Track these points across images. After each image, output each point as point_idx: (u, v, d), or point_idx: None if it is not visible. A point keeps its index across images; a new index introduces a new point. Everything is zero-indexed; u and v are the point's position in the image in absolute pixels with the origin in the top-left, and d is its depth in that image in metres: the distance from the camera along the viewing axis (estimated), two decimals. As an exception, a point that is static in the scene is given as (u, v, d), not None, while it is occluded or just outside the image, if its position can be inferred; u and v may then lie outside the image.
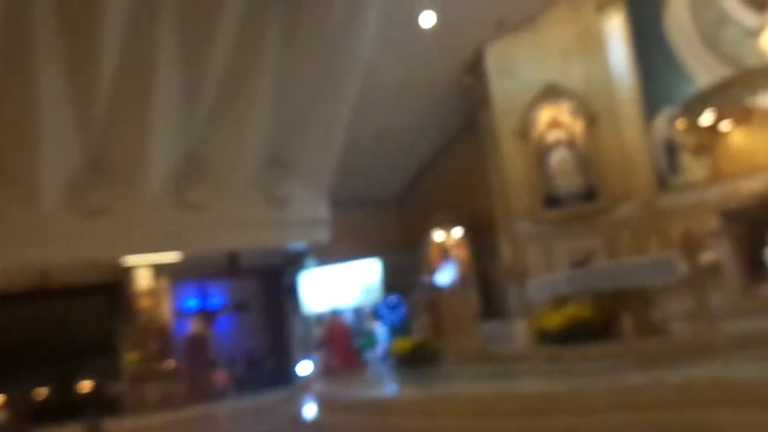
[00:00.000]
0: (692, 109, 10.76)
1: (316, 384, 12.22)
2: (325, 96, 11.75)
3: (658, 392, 5.20)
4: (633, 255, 10.91)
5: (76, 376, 14.29)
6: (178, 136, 11.49)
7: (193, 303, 15.21)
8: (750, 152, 10.76)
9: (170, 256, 12.78)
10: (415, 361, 9.00)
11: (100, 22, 9.43)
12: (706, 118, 10.72)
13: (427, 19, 11.65)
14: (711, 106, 10.52)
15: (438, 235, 15.22)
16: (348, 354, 12.75)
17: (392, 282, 14.55)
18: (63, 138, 10.72)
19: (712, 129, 10.94)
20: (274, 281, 15.77)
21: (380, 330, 14.11)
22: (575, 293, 7.62)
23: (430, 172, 16.64)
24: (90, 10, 9.30)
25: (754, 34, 10.71)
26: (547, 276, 9.65)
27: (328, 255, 14.52)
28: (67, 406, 13.33)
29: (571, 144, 12.51)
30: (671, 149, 11.76)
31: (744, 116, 10.68)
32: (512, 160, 12.82)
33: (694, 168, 11.47)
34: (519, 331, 9.18)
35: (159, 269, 13.36)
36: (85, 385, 14.28)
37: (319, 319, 14.39)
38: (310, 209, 13.20)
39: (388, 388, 9.32)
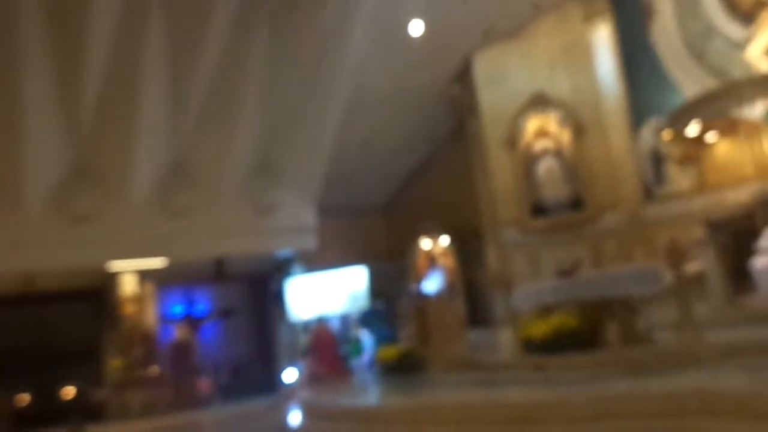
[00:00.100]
0: (678, 120, 10.85)
1: (301, 391, 12.17)
2: (313, 103, 11.75)
3: (643, 402, 5.22)
4: (619, 264, 10.96)
5: (60, 382, 14.15)
6: (165, 142, 11.44)
7: (178, 309, 15.12)
8: (735, 163, 10.86)
9: (156, 262, 12.70)
10: (401, 369, 8.98)
11: (88, 28, 9.39)
12: (692, 129, 10.81)
13: (416, 28, 11.69)
14: (697, 117, 10.61)
15: (425, 243, 15.23)
16: (334, 361, 12.72)
17: (379, 289, 14.53)
18: (49, 143, 10.64)
19: (698, 140, 11.03)
20: (261, 288, 15.71)
21: (366, 337, 14.08)
22: (561, 302, 7.63)
23: (418, 180, 16.66)
24: (78, 16, 9.26)
25: (740, 46, 10.84)
26: (534, 285, 9.66)
27: (315, 262, 14.48)
28: (50, 413, 13.19)
29: (558, 153, 12.57)
30: (657, 159, 11.84)
31: (729, 127, 10.78)
32: (500, 169, 12.86)
33: (679, 178, 11.56)
34: (505, 340, 9.18)
35: (144, 275, 13.27)
36: (69, 391, 14.15)
37: (306, 326, 14.34)
38: (297, 216, 13.17)
39: (374, 396, 9.29)
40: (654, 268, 7.33)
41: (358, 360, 13.46)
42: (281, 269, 14.81)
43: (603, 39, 12.55)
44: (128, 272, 13.17)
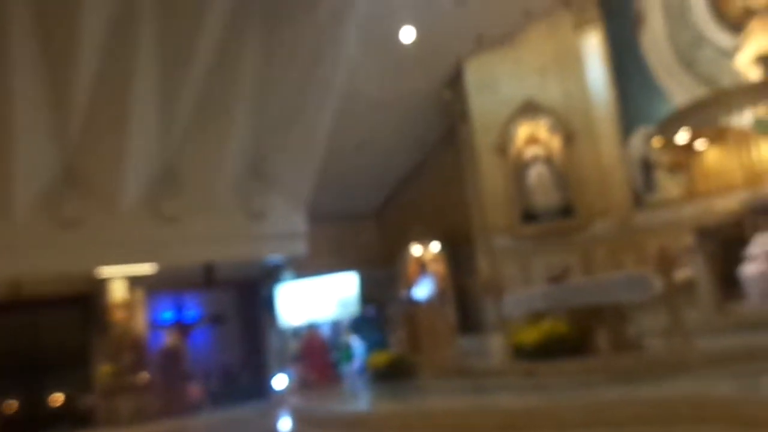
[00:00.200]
0: (668, 128, 10.91)
1: (291, 398, 12.13)
2: (304, 110, 11.75)
3: (633, 408, 5.23)
4: (609, 271, 10.99)
5: (48, 388, 14.05)
6: (156, 147, 11.41)
7: (168, 315, 15.04)
8: (724, 171, 10.93)
9: (145, 268, 12.64)
10: (391, 375, 8.97)
11: (78, 32, 9.36)
12: (682, 137, 10.87)
13: (407, 34, 11.72)
14: (686, 125, 10.68)
15: (416, 250, 15.23)
16: (324, 368, 12.69)
17: (370, 295, 14.51)
18: (38, 148, 10.59)
19: (688, 148, 11.10)
20: (251, 294, 15.66)
21: (357, 344, 14.06)
22: (551, 309, 7.65)
23: (409, 186, 16.66)
24: (68, 21, 9.23)
25: (730, 54, 10.92)
26: (524, 291, 9.68)
27: (305, 268, 14.45)
28: (38, 419, 13.09)
29: (548, 160, 12.62)
30: (647, 167, 11.91)
31: (719, 135, 10.85)
32: (490, 175, 12.89)
33: (669, 186, 11.62)
34: (495, 346, 9.19)
35: (134, 281, 13.20)
36: (57, 398, 14.04)
37: (296, 332, 14.29)
38: (288, 222, 13.15)
39: (365, 402, 9.27)
40: (644, 275, 7.36)
41: (349, 366, 13.43)
42: (271, 275, 14.77)
43: (593, 47, 12.62)
44: (117, 278, 13.09)
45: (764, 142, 10.29)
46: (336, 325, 14.90)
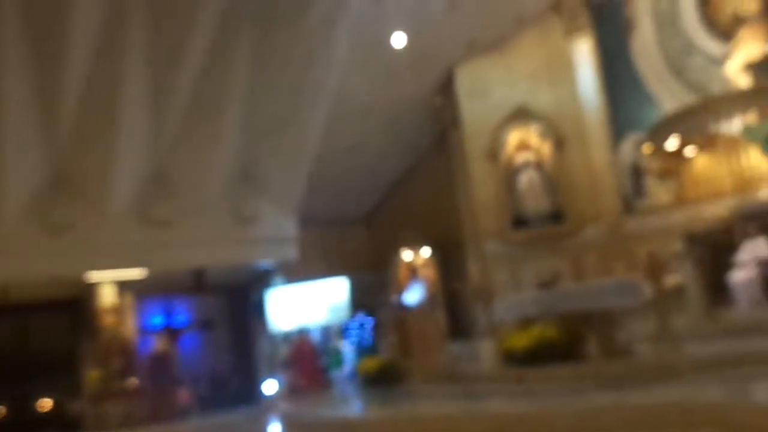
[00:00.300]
0: (658, 135, 10.97)
1: (281, 403, 12.08)
2: (296, 114, 11.73)
3: (623, 414, 5.23)
4: (599, 277, 11.03)
5: (36, 393, 13.93)
6: (146, 151, 11.35)
7: (157, 320, 14.96)
8: (713, 177, 11.00)
9: (135, 273, 12.57)
10: (381, 380, 8.95)
11: (68, 36, 9.30)
12: (671, 144, 10.94)
13: (399, 40, 11.74)
14: (676, 131, 10.74)
15: (406, 255, 15.22)
16: (314, 373, 12.65)
17: (360, 301, 14.49)
18: (27, 152, 10.52)
19: (677, 154, 11.16)
20: (241, 299, 15.60)
21: (347, 349, 14.02)
22: (542, 314, 7.66)
23: (400, 191, 16.67)
24: (58, 23, 9.18)
25: (719, 62, 11.00)
26: (514, 297, 9.70)
27: (295, 273, 14.41)
28: (27, 425, 12.97)
29: (539, 166, 12.66)
30: (637, 173, 11.97)
31: (708, 142, 10.92)
32: (481, 181, 12.91)
33: (659, 192, 11.68)
34: (486, 352, 9.18)
35: (123, 285, 13.12)
36: (45, 404, 13.93)
37: (286, 337, 14.24)
38: (279, 227, 13.11)
39: (355, 407, 9.25)
40: (633, 281, 7.39)
41: (339, 371, 13.40)
42: (262, 280, 14.72)
43: (584, 53, 12.69)
44: (107, 283, 13.02)
45: (753, 149, 10.36)
46: (326, 331, 14.86)
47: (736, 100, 10.20)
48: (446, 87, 13.50)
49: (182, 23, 9.92)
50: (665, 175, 11.50)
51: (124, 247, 11.91)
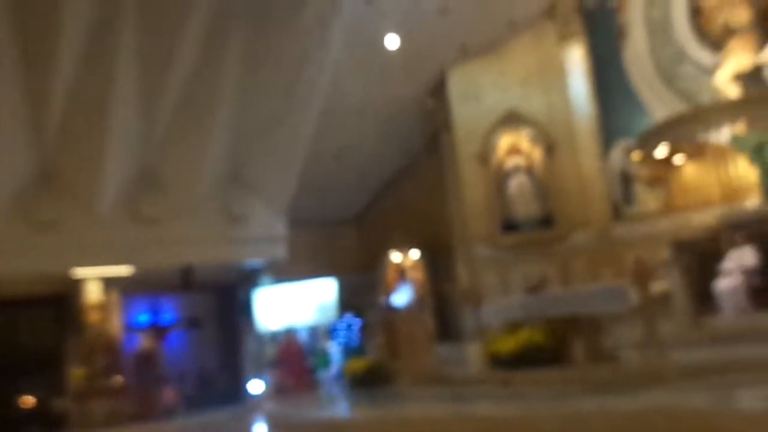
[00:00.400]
0: (647, 142, 11.04)
1: (268, 403, 12.05)
2: (287, 114, 11.73)
3: (609, 419, 5.26)
4: (586, 282, 11.08)
5: (20, 390, 13.83)
6: (135, 149, 11.32)
7: (144, 318, 14.90)
8: (701, 186, 11.08)
9: (122, 270, 12.52)
10: (369, 381, 8.95)
11: (58, 35, 9.25)
12: (661, 152, 11.01)
13: (392, 42, 11.76)
14: (665, 140, 10.81)
15: (396, 256, 15.24)
16: (301, 373, 12.63)
17: (348, 302, 14.48)
18: (15, 149, 10.46)
19: (666, 162, 11.24)
20: (229, 298, 15.56)
21: (335, 350, 14.01)
22: (529, 318, 7.69)
23: (390, 193, 16.69)
24: (48, 20, 9.13)
25: (709, 72, 11.09)
26: (502, 300, 9.73)
27: (284, 273, 14.39)
28: (9, 422, 12.86)
29: (529, 171, 12.71)
30: (626, 180, 12.04)
31: (697, 151, 11.00)
32: (472, 184, 12.94)
33: (647, 199, 11.75)
34: (473, 355, 9.22)
35: (110, 282, 13.06)
36: (29, 401, 13.82)
37: (274, 337, 14.22)
38: (268, 226, 13.10)
39: (342, 408, 9.24)
40: (620, 287, 7.42)
41: (326, 372, 13.39)
42: (250, 279, 14.69)
43: (576, 60, 12.75)
44: (93, 279, 12.95)
45: (741, 158, 10.44)
46: (314, 331, 14.85)
47: (726, 110, 10.28)
48: (439, 90, 13.52)
49: (173, 23, 9.89)
50: (654, 182, 11.57)
51: (112, 244, 11.87)
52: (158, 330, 14.82)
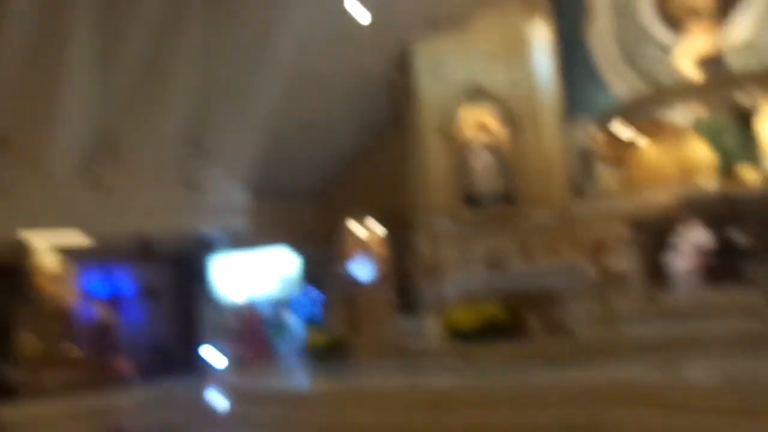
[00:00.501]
0: (608, 121, 11.15)
1: (227, 374, 12.00)
2: (248, 83, 11.56)
3: (561, 391, 5.37)
4: (545, 258, 11.22)
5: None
6: (92, 113, 11.04)
7: (99, 287, 14.66)
8: (659, 165, 11.26)
9: (78, 238, 12.28)
10: (328, 354, 8.97)
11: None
12: (621, 131, 11.13)
13: (357, 13, 11.62)
14: (626, 119, 10.93)
15: (357, 229, 15.22)
16: (261, 345, 12.59)
17: (309, 274, 14.45)
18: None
19: (626, 141, 11.38)
20: (187, 268, 15.39)
21: (295, 322, 14.00)
22: (488, 293, 7.77)
23: (353, 165, 16.60)
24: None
25: (671, 52, 11.21)
26: (463, 275, 9.81)
27: (245, 244, 14.27)
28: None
29: (492, 146, 12.75)
30: (587, 158, 12.16)
31: (656, 131, 11.16)
32: (435, 158, 12.95)
33: (607, 178, 11.90)
34: (432, 328, 9.29)
35: (65, 251, 12.80)
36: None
37: (233, 308, 14.12)
38: (229, 196, 12.97)
39: (301, 380, 9.26)
40: (578, 264, 7.55)
41: (286, 344, 13.38)
42: (209, 250, 14.54)
43: (542, 36, 12.78)
44: (48, 247, 12.67)
45: (699, 140, 10.62)
46: (274, 303, 14.79)
47: (686, 93, 10.43)
48: (404, 63, 13.44)
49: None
50: (614, 161, 11.72)
51: (67, 211, 11.63)
52: (114, 300, 14.61)
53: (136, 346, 14.41)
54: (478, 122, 12.84)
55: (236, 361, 12.51)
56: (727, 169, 9.89)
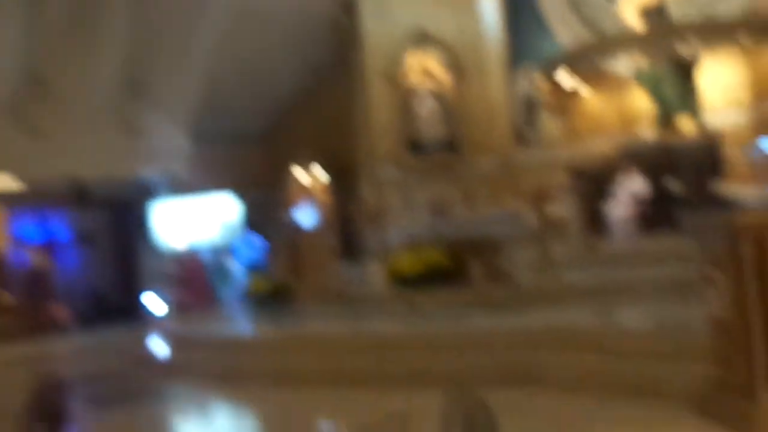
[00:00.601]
0: (552, 69, 11.18)
1: (167, 321, 11.88)
2: (187, 23, 11.12)
3: (500, 336, 5.49)
4: (488, 206, 11.34)
5: None
6: (21, 50, 10.48)
7: (33, 233, 14.19)
8: (601, 115, 11.41)
9: (9, 183, 11.79)
10: (271, 300, 8.94)
11: None
12: (564, 79, 11.19)
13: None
14: (569, 67, 10.98)
15: (301, 175, 15.07)
16: (202, 291, 12.49)
17: (252, 220, 14.29)
18: None
19: (570, 90, 11.46)
20: (126, 214, 15.03)
21: (237, 268, 13.89)
22: (431, 240, 7.82)
23: (297, 109, 16.31)
24: None
25: (615, 1, 11.22)
26: (406, 221, 9.85)
27: (186, 189, 13.98)
28: None
29: (438, 92, 12.66)
30: (531, 106, 12.22)
31: (598, 81, 11.25)
32: (380, 104, 12.81)
33: (550, 126, 12.00)
34: (376, 274, 9.35)
35: (-4, 195, 12.31)
36: None
37: (174, 255, 13.90)
38: (168, 140, 12.61)
39: (244, 326, 9.24)
40: (519, 212, 7.66)
41: (228, 290, 13.29)
42: (149, 195, 14.19)
43: (488, -18, 12.63)
44: (-23, 191, 12.16)
45: (639, 90, 10.76)
46: (216, 249, 14.61)
47: (629, 42, 10.50)
48: (349, 4, 13.12)
49: None
50: (557, 109, 11.81)
51: (-4, 154, 11.13)
52: (50, 246, 14.18)
53: (73, 293, 14.08)
54: (423, 68, 12.71)
55: (177, 308, 12.39)
56: (666, 119, 10.07)
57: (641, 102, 10.70)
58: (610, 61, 10.62)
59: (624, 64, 10.60)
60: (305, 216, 12.83)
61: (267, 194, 15.22)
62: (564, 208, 8.93)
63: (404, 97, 12.67)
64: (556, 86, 11.42)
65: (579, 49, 10.84)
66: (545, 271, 7.18)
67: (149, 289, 14.03)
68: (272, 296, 8.99)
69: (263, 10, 12.45)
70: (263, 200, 14.79)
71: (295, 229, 10.43)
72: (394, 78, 12.67)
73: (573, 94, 11.58)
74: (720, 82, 10.14)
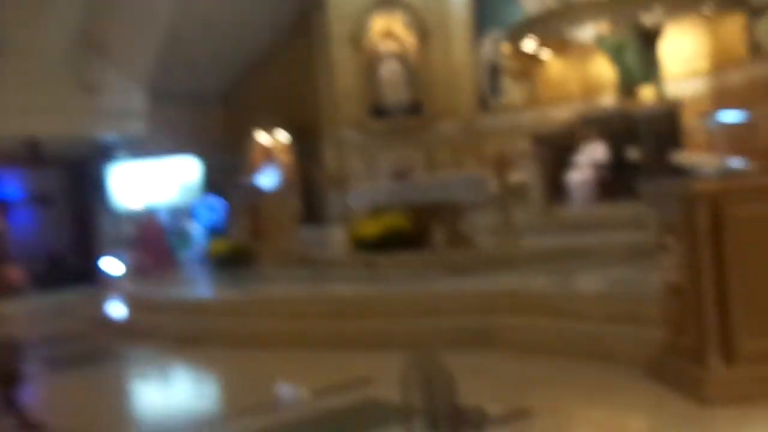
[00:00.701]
0: (517, 35, 11.17)
1: (125, 283, 11.74)
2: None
3: (458, 300, 5.56)
4: (450, 170, 11.37)
5: None
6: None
7: (-15, 193, 13.81)
8: (564, 82, 11.47)
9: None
10: (231, 262, 8.90)
11: None
12: (529, 45, 11.20)
13: None
14: (534, 33, 10.98)
15: (263, 138, 14.89)
16: (161, 254, 12.33)
17: (212, 182, 14.11)
18: None
19: (533, 56, 11.47)
20: (82, 174, 14.69)
21: (197, 230, 13.74)
22: (393, 204, 7.83)
23: (260, 71, 16.04)
24: None
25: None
26: (368, 185, 9.83)
27: (144, 149, 13.70)
28: None
29: (401, 56, 12.57)
30: (495, 72, 12.21)
31: (562, 47, 11.28)
32: (343, 67, 12.67)
33: (513, 92, 12.03)
34: (337, 238, 9.35)
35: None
36: None
37: (132, 216, 13.68)
38: (125, 99, 12.31)
39: (203, 288, 9.19)
40: (481, 177, 7.70)
41: (188, 253, 13.16)
42: (106, 155, 13.88)
43: (455, -58, 12.47)
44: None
45: (602, 57, 10.82)
46: (175, 211, 14.42)
47: (594, 10, 10.50)
48: (312, -36, 12.87)
49: None
50: (520, 75, 11.83)
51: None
52: (3, 206, 13.81)
53: (28, 255, 13.80)
54: (388, 31, 12.58)
55: (135, 270, 12.24)
56: (627, 88, 10.16)
57: (604, 70, 10.77)
58: (574, 29, 10.64)
59: (588, 32, 10.62)
60: (267, 178, 12.71)
61: (228, 156, 15.02)
62: (526, 174, 9.01)
63: (368, 60, 12.55)
64: (521, 52, 11.42)
65: (544, 15, 10.82)
66: (505, 236, 7.25)
67: (107, 251, 13.81)
68: (232, 259, 8.94)
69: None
70: (224, 162, 14.59)
71: (257, 191, 10.32)
72: (357, 41, 12.53)
73: (537, 61, 11.60)
74: (681, 52, 10.24)
